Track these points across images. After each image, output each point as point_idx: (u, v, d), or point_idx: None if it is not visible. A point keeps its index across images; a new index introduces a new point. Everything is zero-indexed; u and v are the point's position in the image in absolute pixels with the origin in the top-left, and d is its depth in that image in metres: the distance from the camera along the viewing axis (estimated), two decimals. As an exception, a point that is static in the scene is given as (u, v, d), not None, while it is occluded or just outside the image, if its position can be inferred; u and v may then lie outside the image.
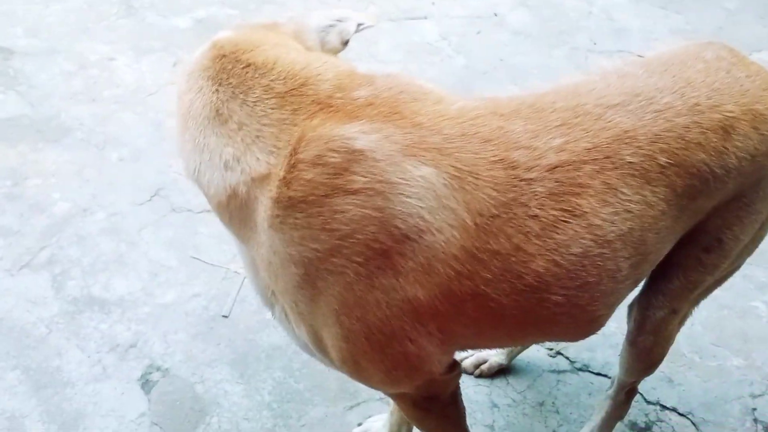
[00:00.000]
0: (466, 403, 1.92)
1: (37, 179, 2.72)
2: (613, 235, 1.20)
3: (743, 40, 3.74)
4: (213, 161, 1.19)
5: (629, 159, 1.20)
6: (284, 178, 1.11)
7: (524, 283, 1.18)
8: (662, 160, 1.21)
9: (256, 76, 1.20)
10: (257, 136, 1.16)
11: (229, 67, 1.21)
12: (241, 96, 1.19)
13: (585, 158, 1.18)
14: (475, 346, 1.52)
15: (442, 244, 1.12)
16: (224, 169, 1.18)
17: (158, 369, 2.14)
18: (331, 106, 1.15)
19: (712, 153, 1.25)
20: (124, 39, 3.50)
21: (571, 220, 1.18)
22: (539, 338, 1.53)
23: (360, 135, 1.11)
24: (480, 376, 2.15)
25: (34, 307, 2.28)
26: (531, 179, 1.16)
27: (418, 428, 1.58)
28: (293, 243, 1.13)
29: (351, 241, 1.11)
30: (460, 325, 1.22)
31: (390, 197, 1.10)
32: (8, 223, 2.54)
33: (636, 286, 1.42)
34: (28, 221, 2.56)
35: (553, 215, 1.17)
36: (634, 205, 1.21)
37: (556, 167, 1.17)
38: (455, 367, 1.37)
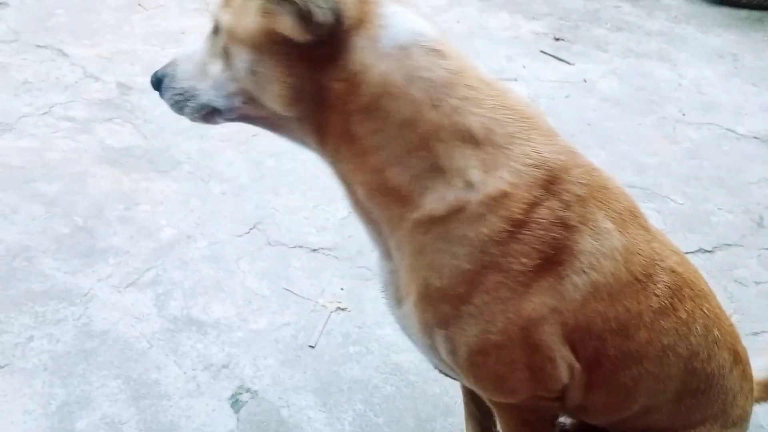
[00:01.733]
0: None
1: (147, 206, 2.94)
2: (680, 350, 1.45)
3: (836, 121, 3.74)
4: (451, 181, 1.24)
5: (706, 311, 1.49)
6: (533, 201, 1.26)
7: (628, 346, 1.40)
8: (715, 333, 1.52)
9: (505, 106, 1.28)
10: (505, 162, 1.25)
11: (482, 88, 1.26)
12: (496, 121, 1.25)
13: (688, 282, 1.46)
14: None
15: (602, 284, 1.32)
16: (465, 188, 1.24)
17: (248, 390, 2.26)
18: (560, 147, 1.32)
19: (722, 371, 1.55)
20: (232, 82, 3.75)
21: (671, 315, 1.42)
22: (595, 407, 1.60)
23: (583, 186, 1.32)
24: None
25: (138, 323, 2.45)
26: (662, 266, 1.41)
27: None
28: (509, 254, 1.26)
29: (552, 262, 1.28)
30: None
31: (585, 234, 1.30)
32: (119, 244, 2.75)
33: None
34: (137, 243, 2.76)
35: (666, 302, 1.41)
36: (693, 344, 1.47)
37: (674, 271, 1.43)
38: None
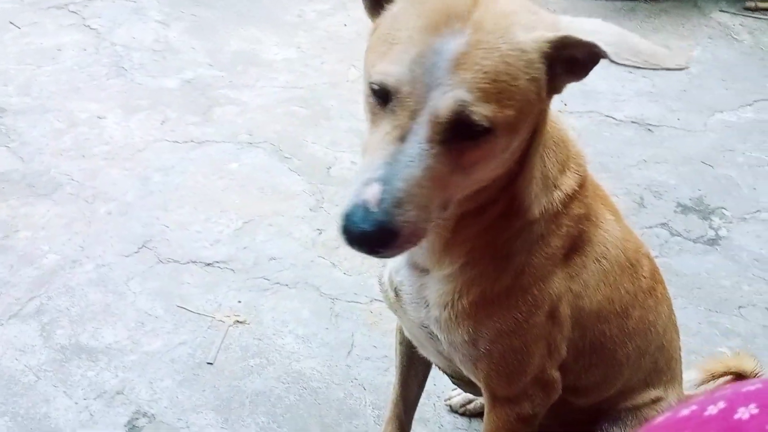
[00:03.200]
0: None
1: (27, 232, 2.80)
2: (658, 327, 1.66)
3: (705, 102, 3.95)
4: (549, 186, 1.35)
5: (669, 297, 1.74)
6: (585, 203, 1.42)
7: (627, 324, 1.57)
8: (673, 318, 1.77)
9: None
10: (570, 165, 1.39)
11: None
12: (563, 129, 1.42)
13: (657, 269, 1.69)
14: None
15: (609, 271, 1.49)
16: (554, 189, 1.35)
17: (144, 415, 2.19)
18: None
19: (677, 354, 1.81)
20: (113, 98, 3.62)
21: (653, 295, 1.64)
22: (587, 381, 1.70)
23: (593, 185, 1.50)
24: (464, 414, 2.27)
25: (23, 356, 2.33)
26: (642, 252, 1.63)
27: None
28: (560, 246, 1.40)
29: (578, 250, 1.44)
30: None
31: (598, 226, 1.47)
32: (-2, 274, 2.60)
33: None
34: (18, 272, 2.62)
35: (650, 284, 1.63)
36: (664, 323, 1.70)
37: (648, 257, 1.65)
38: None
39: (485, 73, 1.06)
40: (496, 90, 1.07)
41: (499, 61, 1.06)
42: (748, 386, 0.71)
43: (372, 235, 1.06)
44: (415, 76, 1.06)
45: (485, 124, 1.07)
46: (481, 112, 1.06)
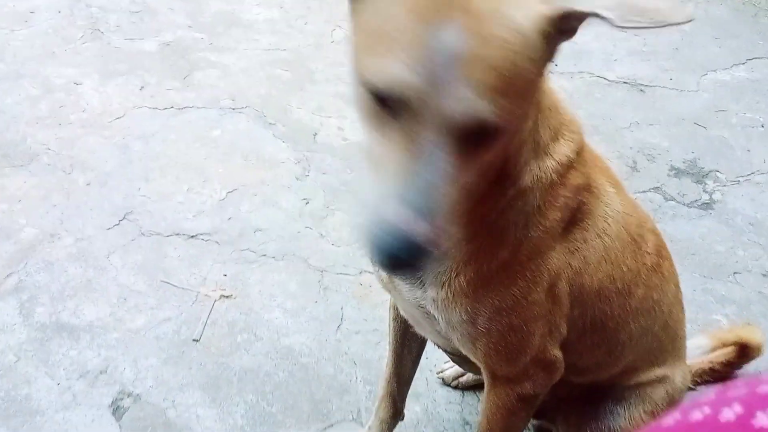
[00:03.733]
0: (438, 422, 1.95)
1: (3, 205, 2.70)
2: (663, 305, 1.60)
3: (698, 60, 3.87)
4: (540, 153, 1.27)
5: (675, 274, 1.67)
6: (584, 173, 1.35)
7: (630, 303, 1.51)
8: (679, 296, 1.71)
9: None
10: (565, 132, 1.30)
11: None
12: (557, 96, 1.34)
13: (663, 244, 1.62)
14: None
15: (610, 247, 1.43)
16: (545, 156, 1.28)
17: (129, 395, 2.13)
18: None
19: (683, 332, 1.76)
20: (90, 63, 3.49)
21: (658, 272, 1.56)
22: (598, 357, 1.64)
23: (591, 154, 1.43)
24: (456, 387, 2.22)
25: (2, 335, 2.25)
26: (647, 227, 1.55)
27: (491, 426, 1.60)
28: (557, 220, 1.33)
29: (578, 224, 1.37)
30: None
31: (599, 198, 1.40)
32: (-26, 250, 2.51)
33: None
34: (-6, 248, 2.53)
35: (654, 260, 1.55)
36: (669, 301, 1.64)
37: (654, 233, 1.58)
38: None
39: (492, 68, 0.96)
40: (504, 84, 0.97)
41: (501, 51, 0.96)
42: (763, 385, 0.65)
43: (410, 261, 1.01)
44: (419, 79, 0.95)
45: (501, 124, 1.00)
46: (496, 111, 0.97)
